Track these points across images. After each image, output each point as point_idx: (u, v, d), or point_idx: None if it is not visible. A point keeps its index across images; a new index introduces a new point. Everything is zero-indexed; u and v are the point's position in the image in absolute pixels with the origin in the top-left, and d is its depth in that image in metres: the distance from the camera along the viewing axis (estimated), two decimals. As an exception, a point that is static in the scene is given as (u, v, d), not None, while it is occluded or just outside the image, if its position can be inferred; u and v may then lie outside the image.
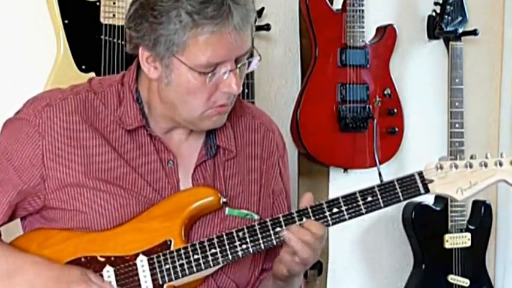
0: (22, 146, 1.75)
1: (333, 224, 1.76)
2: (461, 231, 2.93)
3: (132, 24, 1.70)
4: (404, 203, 2.93)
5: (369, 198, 1.76)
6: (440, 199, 2.94)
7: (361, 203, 1.76)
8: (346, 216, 1.76)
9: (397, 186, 1.77)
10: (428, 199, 2.94)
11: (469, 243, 2.94)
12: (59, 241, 1.75)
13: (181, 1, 1.63)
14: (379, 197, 1.77)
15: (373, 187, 1.77)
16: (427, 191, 1.78)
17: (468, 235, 2.94)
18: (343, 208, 1.76)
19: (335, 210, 1.75)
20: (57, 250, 1.74)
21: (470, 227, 2.96)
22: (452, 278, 2.92)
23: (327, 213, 1.75)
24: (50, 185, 1.75)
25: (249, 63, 1.76)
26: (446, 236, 2.91)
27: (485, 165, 1.77)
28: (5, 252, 1.74)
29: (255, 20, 1.76)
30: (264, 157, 1.92)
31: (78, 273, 1.69)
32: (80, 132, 1.76)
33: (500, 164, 1.77)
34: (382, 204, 1.77)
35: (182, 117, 1.75)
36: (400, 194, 1.77)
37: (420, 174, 1.78)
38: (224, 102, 1.72)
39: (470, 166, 1.77)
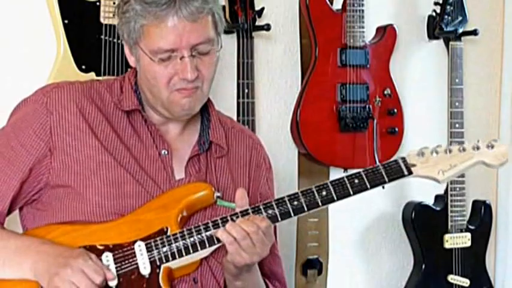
0: (30, 123, 1.83)
1: (323, 204, 1.83)
2: (461, 231, 2.93)
3: (117, 13, 1.86)
4: (404, 202, 2.96)
5: (356, 181, 1.84)
6: (440, 199, 2.95)
7: (348, 185, 1.84)
8: (335, 197, 1.83)
9: (382, 170, 1.86)
10: (428, 199, 2.94)
11: (469, 243, 2.94)
12: (59, 234, 1.79)
13: None
14: (365, 179, 1.85)
15: (359, 172, 1.86)
16: (410, 173, 1.87)
17: (468, 235, 2.94)
18: (332, 190, 1.83)
19: (324, 193, 1.83)
20: (58, 242, 1.78)
21: (470, 227, 2.96)
22: (452, 278, 2.92)
23: (317, 196, 1.83)
24: (57, 158, 1.82)
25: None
26: (446, 236, 2.91)
27: (464, 149, 1.89)
28: (13, 234, 1.81)
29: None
30: (252, 164, 2.01)
31: (78, 250, 1.74)
32: (86, 110, 1.85)
33: (478, 148, 1.89)
34: (368, 185, 1.85)
35: (157, 104, 1.86)
36: (385, 176, 1.86)
37: (403, 159, 1.89)
38: (183, 87, 1.81)
39: (450, 151, 1.89)
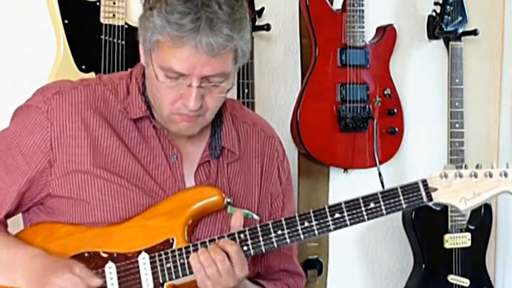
0: (31, 133, 1.78)
1: (335, 229, 1.75)
2: (461, 231, 2.93)
3: (141, 11, 1.74)
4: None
5: (372, 205, 1.75)
6: (440, 199, 2.94)
7: (363, 209, 1.75)
8: (348, 222, 1.75)
9: (400, 194, 1.75)
10: (428, 199, 2.94)
11: (469, 243, 2.94)
12: (63, 235, 1.77)
13: (162, 2, 1.66)
14: (381, 203, 1.75)
15: (376, 193, 1.76)
16: (430, 199, 1.75)
17: (468, 235, 2.94)
18: (345, 214, 1.75)
19: (337, 215, 1.75)
20: (62, 244, 1.76)
21: (470, 227, 2.96)
22: (452, 278, 2.92)
23: (329, 218, 1.75)
24: (57, 171, 1.77)
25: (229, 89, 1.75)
26: (446, 236, 2.91)
27: (490, 175, 1.74)
28: (8, 244, 1.77)
29: (253, 24, 1.72)
30: (264, 161, 1.94)
31: (64, 263, 1.70)
32: (89, 120, 1.78)
33: (505, 175, 1.74)
34: (384, 212, 1.75)
35: (157, 113, 1.79)
36: (402, 201, 1.75)
37: (424, 182, 1.75)
38: (186, 113, 1.73)
39: (475, 176, 1.74)
